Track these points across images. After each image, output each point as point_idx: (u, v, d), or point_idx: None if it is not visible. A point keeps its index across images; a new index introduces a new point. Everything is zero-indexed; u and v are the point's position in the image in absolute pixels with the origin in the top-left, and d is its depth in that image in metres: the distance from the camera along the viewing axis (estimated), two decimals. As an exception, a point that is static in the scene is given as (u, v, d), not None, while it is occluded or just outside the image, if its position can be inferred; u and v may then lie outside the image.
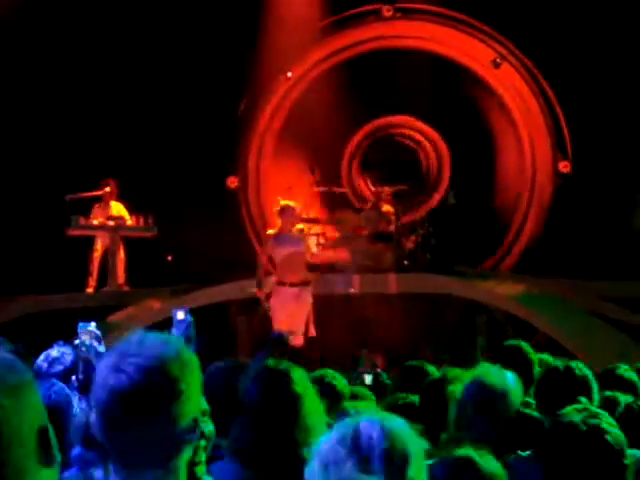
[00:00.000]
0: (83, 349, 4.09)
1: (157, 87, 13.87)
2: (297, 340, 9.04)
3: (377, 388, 5.29)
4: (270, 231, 8.97)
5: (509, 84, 14.54)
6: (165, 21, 14.16)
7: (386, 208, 12.84)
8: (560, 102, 14.22)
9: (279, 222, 9.01)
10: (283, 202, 9.18)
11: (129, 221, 12.60)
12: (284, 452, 2.58)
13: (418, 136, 15.05)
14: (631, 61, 13.27)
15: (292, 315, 9.06)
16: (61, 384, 3.40)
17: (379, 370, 7.31)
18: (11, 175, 12.99)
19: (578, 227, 13.31)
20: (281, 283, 9.05)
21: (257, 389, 2.77)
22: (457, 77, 14.65)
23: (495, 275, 13.35)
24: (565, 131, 14.26)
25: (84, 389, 3.76)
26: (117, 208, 12.65)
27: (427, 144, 15.00)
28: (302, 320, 9.10)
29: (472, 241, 13.57)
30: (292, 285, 9.01)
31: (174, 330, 3.83)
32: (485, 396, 3.25)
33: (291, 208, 9.01)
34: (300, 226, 9.19)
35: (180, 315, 3.75)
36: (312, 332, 9.24)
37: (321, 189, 13.04)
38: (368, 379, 5.05)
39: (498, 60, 14.46)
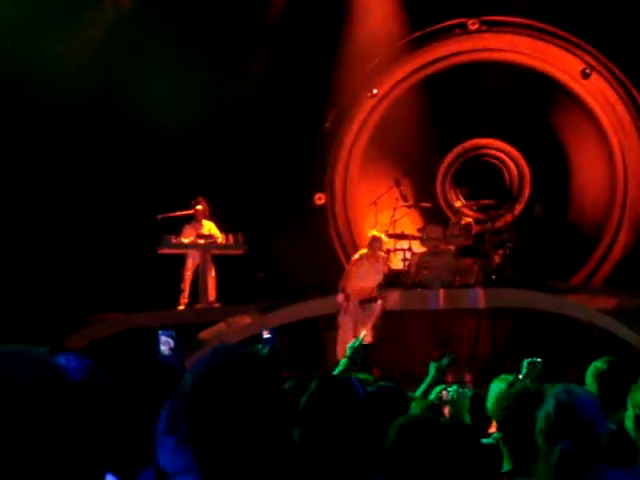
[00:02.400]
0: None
1: (248, 105, 14.09)
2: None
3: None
4: (359, 254, 9.33)
5: (599, 94, 14.29)
6: (255, 39, 14.39)
7: (466, 221, 12.79)
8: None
9: (367, 250, 9.44)
10: (375, 233, 9.66)
11: (220, 239, 12.79)
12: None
13: (508, 147, 14.98)
14: None
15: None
16: None
17: (467, 386, 7.26)
18: (105, 194, 13.35)
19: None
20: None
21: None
22: (546, 89, 14.48)
23: (586, 289, 13.09)
24: (658, 140, 13.93)
25: None
26: (209, 226, 12.84)
27: (517, 155, 14.91)
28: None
29: (561, 255, 13.34)
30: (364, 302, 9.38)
31: (261, 346, 4.21)
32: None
33: (379, 240, 9.50)
34: (382, 254, 9.61)
35: (266, 334, 4.22)
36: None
37: (406, 204, 13.04)
38: (446, 397, 5.02)
39: (587, 70, 14.23)
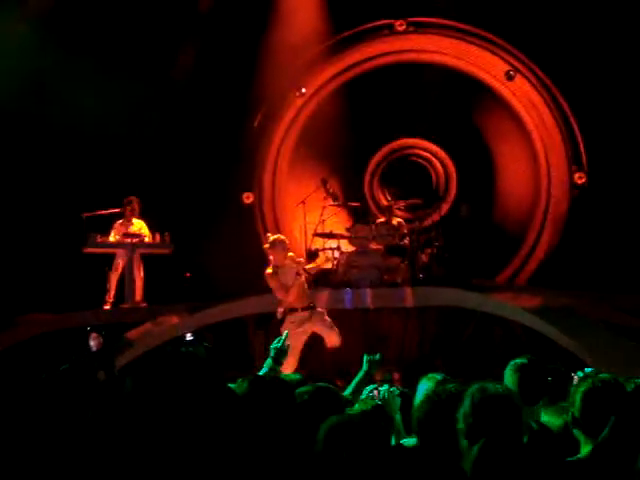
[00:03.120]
0: None
1: (174, 105, 13.96)
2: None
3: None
4: (268, 270, 8.96)
5: (523, 96, 14.55)
6: (182, 38, 14.28)
7: (397, 221, 12.89)
8: (574, 113, 14.21)
9: (271, 257, 9.03)
10: (272, 237, 9.22)
11: (147, 238, 12.66)
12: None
13: (435, 147, 15.14)
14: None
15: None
16: None
17: (395, 385, 7.30)
18: (32, 193, 13.10)
19: (594, 239, 13.25)
20: (293, 309, 9.08)
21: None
22: (471, 90, 14.67)
23: (511, 288, 13.31)
24: (580, 142, 14.23)
25: None
26: (139, 225, 12.72)
27: (444, 156, 15.07)
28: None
29: (487, 254, 13.55)
30: (304, 310, 9.08)
31: (184, 349, 4.10)
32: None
33: (282, 241, 9.07)
34: (290, 254, 9.23)
35: (189, 336, 4.18)
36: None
37: (335, 203, 13.06)
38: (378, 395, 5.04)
39: (512, 72, 14.48)
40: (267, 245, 9.01)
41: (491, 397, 3.03)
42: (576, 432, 3.36)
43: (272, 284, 8.97)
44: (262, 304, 11.62)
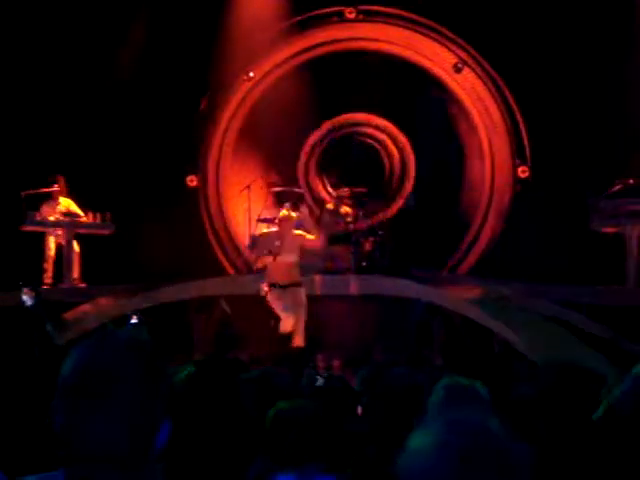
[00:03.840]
0: None
1: (118, 83, 13.78)
2: (298, 340, 9.10)
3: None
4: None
5: (470, 88, 14.65)
6: (126, 17, 14.09)
7: (344, 210, 12.86)
8: (520, 107, 14.35)
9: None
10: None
11: (83, 217, 12.49)
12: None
13: (381, 135, 15.09)
14: (590, 65, 13.42)
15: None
16: None
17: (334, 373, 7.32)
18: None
19: (536, 231, 13.42)
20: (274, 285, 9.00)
21: None
22: (419, 81, 14.72)
23: (452, 278, 13.42)
24: (524, 136, 14.38)
25: None
26: (66, 204, 12.52)
27: (390, 144, 15.05)
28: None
29: (430, 244, 13.63)
30: (284, 286, 9.00)
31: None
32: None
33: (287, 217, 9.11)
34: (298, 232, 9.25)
35: (133, 319, 4.16)
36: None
37: (279, 189, 13.01)
38: (320, 381, 5.02)
39: (459, 65, 14.56)
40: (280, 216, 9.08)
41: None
42: None
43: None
44: (203, 288, 11.54)
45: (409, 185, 14.74)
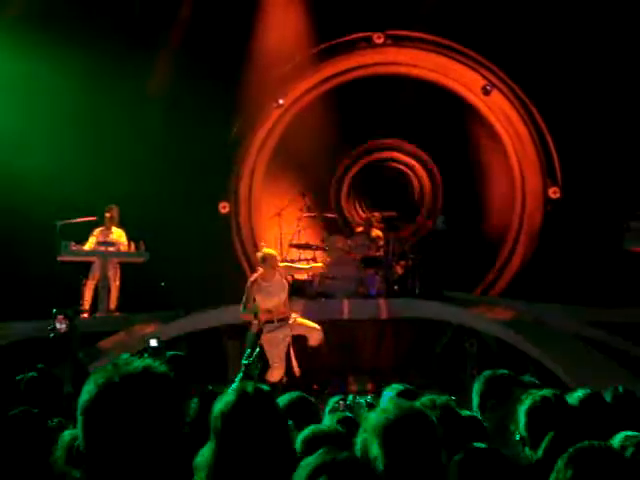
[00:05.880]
0: None
1: (152, 112, 13.94)
2: (297, 370, 9.17)
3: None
4: (252, 278, 8.99)
5: (499, 111, 14.67)
6: (161, 43, 14.29)
7: (376, 233, 12.89)
8: (549, 128, 14.34)
9: (261, 269, 9.03)
10: (266, 250, 9.22)
11: (123, 247, 12.64)
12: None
13: (411, 160, 15.16)
14: (618, 86, 13.39)
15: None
16: None
17: (368, 395, 7.33)
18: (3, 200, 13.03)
19: (568, 252, 13.36)
20: (269, 321, 9.08)
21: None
22: (448, 104, 14.76)
23: (485, 300, 13.37)
24: (555, 157, 14.36)
25: None
26: (118, 234, 12.75)
27: (420, 169, 15.11)
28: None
29: (462, 267, 13.60)
30: (279, 321, 9.09)
31: (147, 355, 4.06)
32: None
33: (273, 257, 9.05)
34: (282, 264, 9.26)
35: (153, 342, 4.10)
36: (296, 371, 9.29)
37: (311, 214, 13.08)
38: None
39: (488, 87, 14.60)
40: (259, 255, 9.07)
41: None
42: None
43: (248, 292, 8.99)
44: (236, 314, 11.61)
45: (438, 208, 14.75)
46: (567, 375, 9.36)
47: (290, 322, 9.11)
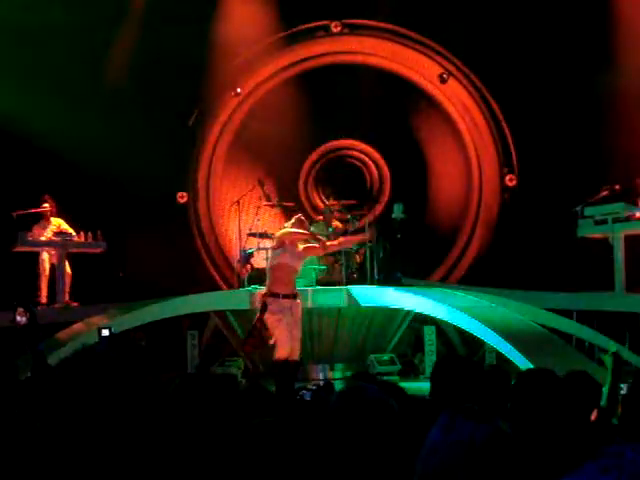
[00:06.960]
0: None
1: (108, 101, 13.83)
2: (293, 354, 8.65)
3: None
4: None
5: (456, 99, 14.76)
6: (117, 32, 14.18)
7: (335, 223, 12.91)
8: (506, 116, 14.46)
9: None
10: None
11: (75, 236, 12.52)
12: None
13: (369, 149, 15.24)
14: (573, 75, 13.54)
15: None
16: None
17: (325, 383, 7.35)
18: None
19: (524, 239, 13.50)
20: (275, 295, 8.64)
21: None
22: (405, 92, 14.83)
23: (443, 287, 13.45)
24: (511, 145, 14.49)
25: None
26: (57, 223, 12.59)
27: (378, 157, 15.19)
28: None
29: (420, 255, 13.69)
30: (285, 297, 8.61)
31: (97, 345, 4.08)
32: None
33: (304, 222, 8.92)
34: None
35: (105, 332, 4.10)
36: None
37: (269, 203, 13.06)
38: (307, 395, 5.05)
39: (444, 75, 14.68)
40: (297, 217, 8.91)
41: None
42: None
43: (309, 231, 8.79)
44: (195, 304, 11.57)
45: (396, 197, 14.83)
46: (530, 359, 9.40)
47: (297, 301, 8.63)
